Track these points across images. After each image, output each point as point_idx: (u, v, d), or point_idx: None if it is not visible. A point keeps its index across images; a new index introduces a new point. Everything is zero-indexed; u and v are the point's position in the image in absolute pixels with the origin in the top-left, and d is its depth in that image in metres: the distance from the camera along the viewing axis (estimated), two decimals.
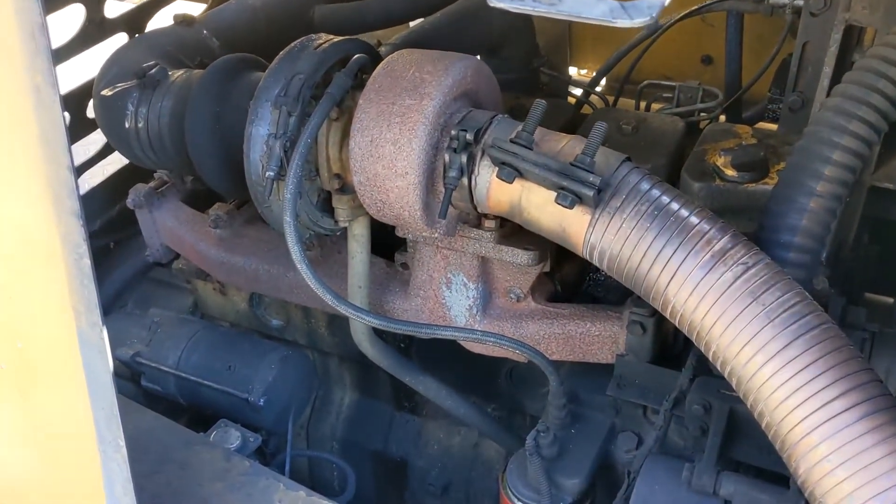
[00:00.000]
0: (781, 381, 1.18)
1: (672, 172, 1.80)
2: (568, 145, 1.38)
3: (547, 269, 1.67)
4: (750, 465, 1.54)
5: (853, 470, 1.11)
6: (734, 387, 1.27)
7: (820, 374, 1.16)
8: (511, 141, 1.36)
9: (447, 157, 1.43)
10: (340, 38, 1.59)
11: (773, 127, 1.98)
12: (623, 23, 0.91)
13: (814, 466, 1.15)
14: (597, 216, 1.34)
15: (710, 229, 1.29)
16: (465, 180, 1.44)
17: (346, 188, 1.60)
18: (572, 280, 1.85)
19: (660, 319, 1.63)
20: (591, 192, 1.29)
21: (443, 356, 1.96)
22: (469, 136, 1.41)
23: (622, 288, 1.87)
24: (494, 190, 1.43)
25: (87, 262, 1.14)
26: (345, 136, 1.55)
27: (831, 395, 1.14)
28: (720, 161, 1.70)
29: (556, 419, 1.67)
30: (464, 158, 1.42)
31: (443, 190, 1.46)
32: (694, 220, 1.30)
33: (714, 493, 1.45)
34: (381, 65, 1.49)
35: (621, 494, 1.61)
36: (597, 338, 1.68)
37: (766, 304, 1.22)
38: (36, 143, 1.06)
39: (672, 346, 1.72)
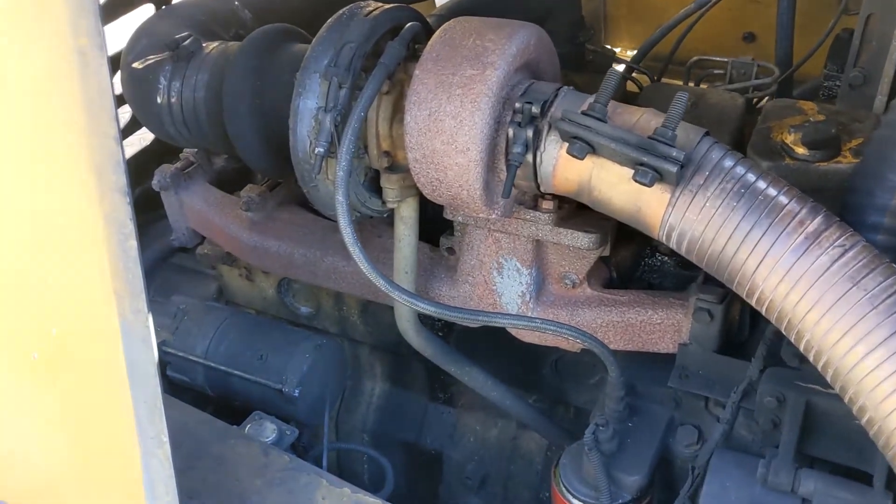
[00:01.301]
0: (888, 372, 1.09)
1: (736, 151, 1.70)
2: (643, 118, 1.29)
3: (606, 252, 1.58)
4: (825, 462, 1.45)
5: None
6: (829, 380, 1.18)
7: None
8: (583, 113, 1.27)
9: (511, 132, 1.33)
10: (391, 5, 1.48)
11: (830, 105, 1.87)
12: None
13: None
14: (678, 195, 1.24)
15: (801, 209, 1.19)
16: (529, 157, 1.34)
17: (395, 167, 1.50)
18: (627, 266, 1.75)
19: (728, 306, 1.54)
20: (674, 169, 1.20)
21: (485, 346, 1.87)
22: (535, 109, 1.31)
23: (678, 273, 1.79)
24: (562, 167, 1.33)
25: (133, 243, 1.04)
26: (396, 110, 1.45)
27: None
28: (789, 138, 1.60)
29: (614, 412, 1.57)
30: (529, 133, 1.32)
31: (504, 168, 1.37)
32: (783, 199, 1.20)
33: (792, 491, 1.36)
34: (437, 32, 1.39)
35: (686, 491, 1.52)
36: (658, 326, 1.59)
37: (868, 288, 1.12)
38: (80, 111, 0.97)
39: (737, 335, 1.62)
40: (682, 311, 1.56)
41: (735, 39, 2.55)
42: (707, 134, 1.28)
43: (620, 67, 2.24)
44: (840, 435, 1.43)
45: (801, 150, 1.58)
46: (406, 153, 1.38)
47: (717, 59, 2.05)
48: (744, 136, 1.74)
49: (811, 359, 1.20)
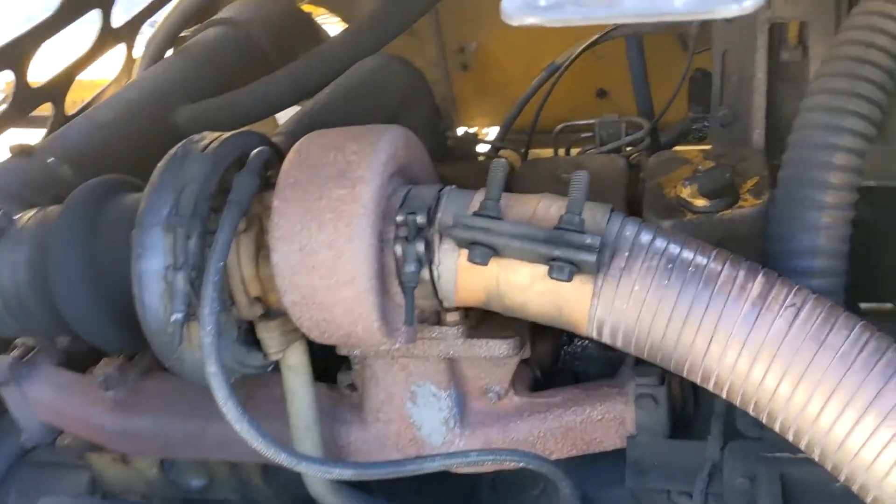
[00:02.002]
0: (886, 439, 0.95)
1: (631, 215, 1.59)
2: (541, 206, 1.14)
3: (527, 354, 1.41)
4: None
5: None
6: (819, 460, 1.04)
7: None
8: (476, 214, 1.11)
9: (399, 250, 1.15)
10: (229, 132, 1.29)
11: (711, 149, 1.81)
12: (727, 11, 0.68)
13: None
14: (600, 284, 1.09)
15: (738, 272, 1.06)
16: (425, 273, 1.16)
17: (271, 312, 1.28)
18: (549, 359, 1.59)
19: (669, 385, 1.40)
20: (592, 257, 1.05)
21: (414, 482, 1.65)
22: (420, 219, 1.14)
23: (603, 356, 1.65)
24: (465, 277, 1.16)
25: None
26: (259, 248, 1.25)
27: None
28: (685, 192, 1.50)
29: None
30: (420, 247, 1.14)
31: (399, 290, 1.18)
32: (716, 265, 1.07)
33: None
34: (290, 154, 1.21)
35: None
36: (600, 423, 1.42)
37: (836, 347, 0.99)
38: None
39: (684, 412, 1.48)
40: (622, 401, 1.40)
41: (589, 98, 2.51)
42: (614, 210, 1.14)
43: (484, 148, 2.13)
44: (823, 501, 1.29)
45: (700, 202, 1.48)
46: (280, 296, 1.18)
47: (583, 122, 1.98)
48: (637, 198, 1.64)
49: (791, 439, 1.05)
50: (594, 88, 2.53)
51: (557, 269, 1.06)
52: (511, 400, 1.44)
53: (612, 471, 1.46)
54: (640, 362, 1.43)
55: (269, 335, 1.29)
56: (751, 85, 1.71)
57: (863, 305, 1.70)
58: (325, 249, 1.13)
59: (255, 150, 1.27)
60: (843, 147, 1.20)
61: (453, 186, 1.23)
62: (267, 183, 1.26)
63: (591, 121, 1.95)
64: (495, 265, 1.13)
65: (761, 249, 1.42)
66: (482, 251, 1.09)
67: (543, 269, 1.09)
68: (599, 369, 1.61)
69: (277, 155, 1.31)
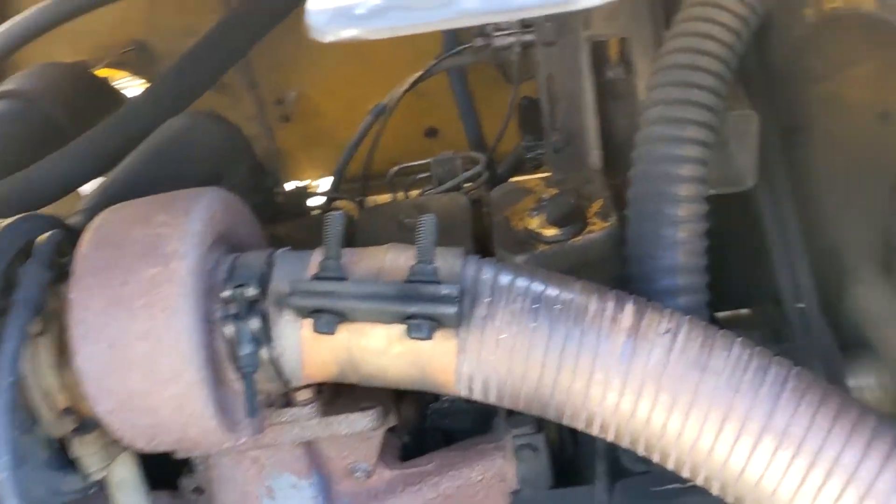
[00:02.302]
0: (786, 461, 0.89)
1: (481, 253, 1.50)
2: (389, 259, 1.02)
3: (393, 422, 1.27)
4: None
5: None
6: (720, 494, 0.96)
7: (830, 434, 0.88)
8: (316, 277, 0.97)
9: (230, 331, 0.99)
10: (11, 218, 1.09)
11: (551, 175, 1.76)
12: (584, 3, 0.58)
13: None
14: (465, 337, 0.97)
15: (607, 303, 0.98)
16: (264, 353, 1.01)
17: (86, 423, 1.08)
18: (415, 421, 1.46)
19: (547, 431, 1.30)
20: (452, 309, 0.93)
21: None
22: (252, 291, 0.99)
23: (472, 409, 1.53)
24: (311, 351, 1.01)
25: None
26: (62, 352, 1.05)
27: (856, 456, 0.87)
28: (534, 223, 1.42)
29: None
30: (255, 323, 0.99)
31: (237, 378, 1.02)
32: (583, 299, 0.99)
33: None
34: (86, 234, 1.02)
35: None
36: (481, 484, 1.30)
37: (720, 370, 0.92)
38: None
39: (563, 455, 1.39)
40: (500, 456, 1.29)
41: (419, 139, 2.43)
42: (467, 253, 1.04)
43: (319, 201, 1.99)
44: None
45: (550, 232, 1.41)
46: (91, 406, 0.98)
47: (418, 162, 1.88)
48: (485, 235, 1.55)
49: (688, 475, 0.97)
50: (423, 128, 2.45)
51: (416, 328, 0.94)
52: (381, 476, 1.30)
53: None
54: (512, 411, 1.34)
55: (87, 452, 1.08)
56: (580, 106, 1.68)
57: (720, 315, 1.69)
58: (141, 342, 0.95)
59: (43, 236, 1.07)
60: (688, 158, 1.16)
61: (287, 248, 1.08)
62: (63, 272, 1.06)
63: (425, 161, 1.86)
64: (345, 332, 0.99)
65: (616, 272, 1.37)
66: (328, 319, 0.96)
67: (400, 328, 0.97)
68: (471, 424, 1.50)
69: (74, 238, 1.11)
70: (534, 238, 1.42)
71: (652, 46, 1.57)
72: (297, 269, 1.01)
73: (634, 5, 1.57)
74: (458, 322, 0.95)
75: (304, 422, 1.18)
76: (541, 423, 1.29)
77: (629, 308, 0.97)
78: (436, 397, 1.52)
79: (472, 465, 1.30)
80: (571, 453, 1.42)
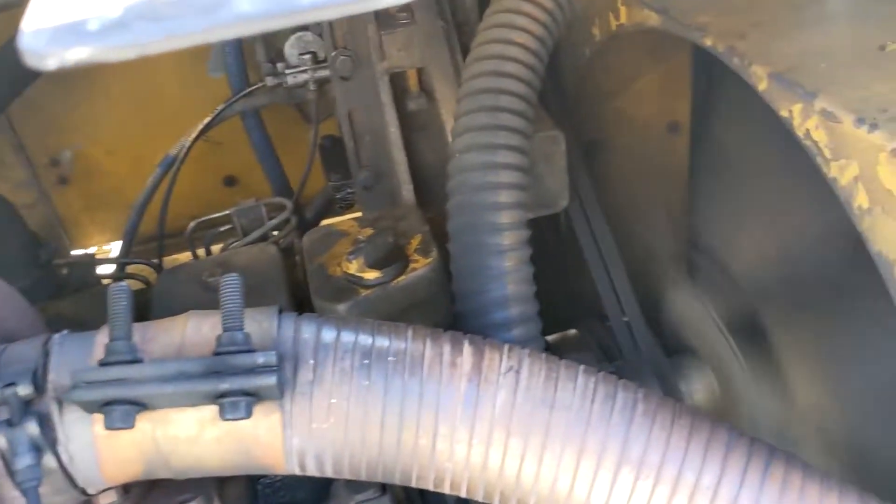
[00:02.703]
0: (647, 493, 0.84)
1: (298, 308, 1.38)
2: (190, 329, 0.88)
3: None
4: None
5: None
6: None
7: (686, 456, 0.84)
8: (104, 364, 0.82)
9: (1, 442, 0.82)
10: None
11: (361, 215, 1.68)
12: (382, 2, 0.48)
13: None
14: (289, 409, 0.86)
15: (443, 348, 0.90)
16: (49, 460, 0.84)
17: None
18: (245, 499, 1.31)
19: (393, 491, 1.20)
20: (271, 380, 0.81)
21: None
22: (25, 390, 0.82)
23: (307, 480, 1.41)
24: (108, 450, 0.85)
25: None
26: None
27: (715, 476, 0.83)
28: (352, 267, 1.33)
29: None
30: (32, 428, 0.82)
31: (19, 494, 0.84)
32: (417, 346, 0.90)
33: None
34: None
35: None
36: None
37: (569, 404, 0.87)
38: None
39: None
40: None
41: (218, 189, 2.27)
42: (282, 311, 0.92)
43: (109, 269, 1.79)
44: None
45: (371, 275, 1.32)
46: None
47: (218, 214, 1.73)
48: (298, 286, 1.44)
49: None
50: (221, 177, 2.29)
51: (231, 407, 0.81)
52: None
53: None
54: None
55: None
56: (385, 141, 1.61)
57: (548, 338, 1.67)
58: None
59: None
60: (504, 184, 1.11)
61: (65, 332, 0.92)
62: None
63: (226, 212, 1.72)
64: (147, 423, 0.84)
65: (445, 309, 1.30)
66: (123, 410, 0.81)
67: (212, 409, 0.84)
68: (309, 492, 1.37)
69: None
70: (354, 283, 1.33)
71: (452, 74, 1.54)
72: (79, 355, 0.86)
73: (428, 35, 1.53)
74: (280, 393, 0.83)
75: None
76: (384, 486, 1.19)
77: (467, 349, 0.90)
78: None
79: None
80: None
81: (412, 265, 1.35)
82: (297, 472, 0.90)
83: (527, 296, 1.12)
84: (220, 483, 1.19)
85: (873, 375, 1.15)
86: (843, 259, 1.08)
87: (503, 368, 0.89)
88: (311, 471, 0.90)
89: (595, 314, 1.59)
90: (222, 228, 1.78)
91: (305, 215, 1.95)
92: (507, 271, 1.10)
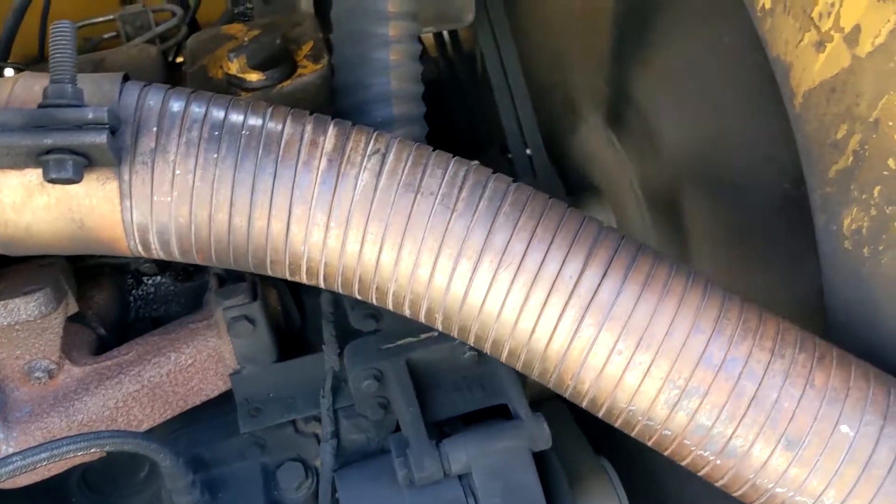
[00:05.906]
0: (507, 283, 0.80)
1: None
2: (19, 87, 0.79)
3: (75, 309, 1.06)
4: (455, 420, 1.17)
5: (654, 344, 0.78)
6: (444, 328, 0.86)
7: (551, 247, 0.80)
8: None
9: None
10: None
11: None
12: None
13: (603, 371, 0.80)
14: (128, 177, 0.78)
15: (304, 126, 0.83)
16: None
17: None
18: (115, 310, 1.25)
19: (264, 300, 1.15)
20: (101, 137, 0.73)
21: None
22: None
23: (183, 290, 1.35)
24: None
25: None
26: None
27: (577, 269, 0.79)
28: (234, 67, 1.23)
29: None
30: None
31: None
32: (276, 124, 0.83)
33: (446, 475, 1.05)
34: None
35: None
36: (194, 367, 1.14)
37: (434, 190, 0.81)
38: None
39: (290, 325, 1.25)
40: (213, 335, 1.13)
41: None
42: (127, 78, 0.83)
43: None
44: (455, 381, 1.16)
45: (254, 77, 1.23)
46: None
47: (102, 19, 1.58)
48: None
49: (408, 312, 0.86)
50: None
51: (56, 165, 0.73)
52: (69, 373, 1.09)
53: (227, 420, 1.19)
54: (223, 282, 1.18)
55: None
56: None
57: None
58: None
59: None
60: None
61: None
62: None
63: (110, 16, 1.57)
64: None
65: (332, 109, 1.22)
66: None
67: (39, 173, 0.75)
68: (185, 306, 1.32)
69: None
70: (234, 85, 1.23)
71: None
72: None
73: None
74: (114, 157, 0.76)
75: None
76: (255, 292, 1.14)
77: (331, 131, 0.83)
78: (138, 283, 1.31)
79: (181, 349, 1.12)
80: (299, 325, 1.29)
81: (300, 70, 1.25)
82: (141, 252, 0.83)
83: (412, 95, 1.05)
84: (84, 284, 1.13)
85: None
86: (770, 161, 1.05)
87: (369, 151, 0.82)
88: (156, 251, 0.83)
89: (496, 145, 1.53)
90: (107, 36, 1.64)
91: (200, 29, 1.81)
92: (391, 65, 1.02)
